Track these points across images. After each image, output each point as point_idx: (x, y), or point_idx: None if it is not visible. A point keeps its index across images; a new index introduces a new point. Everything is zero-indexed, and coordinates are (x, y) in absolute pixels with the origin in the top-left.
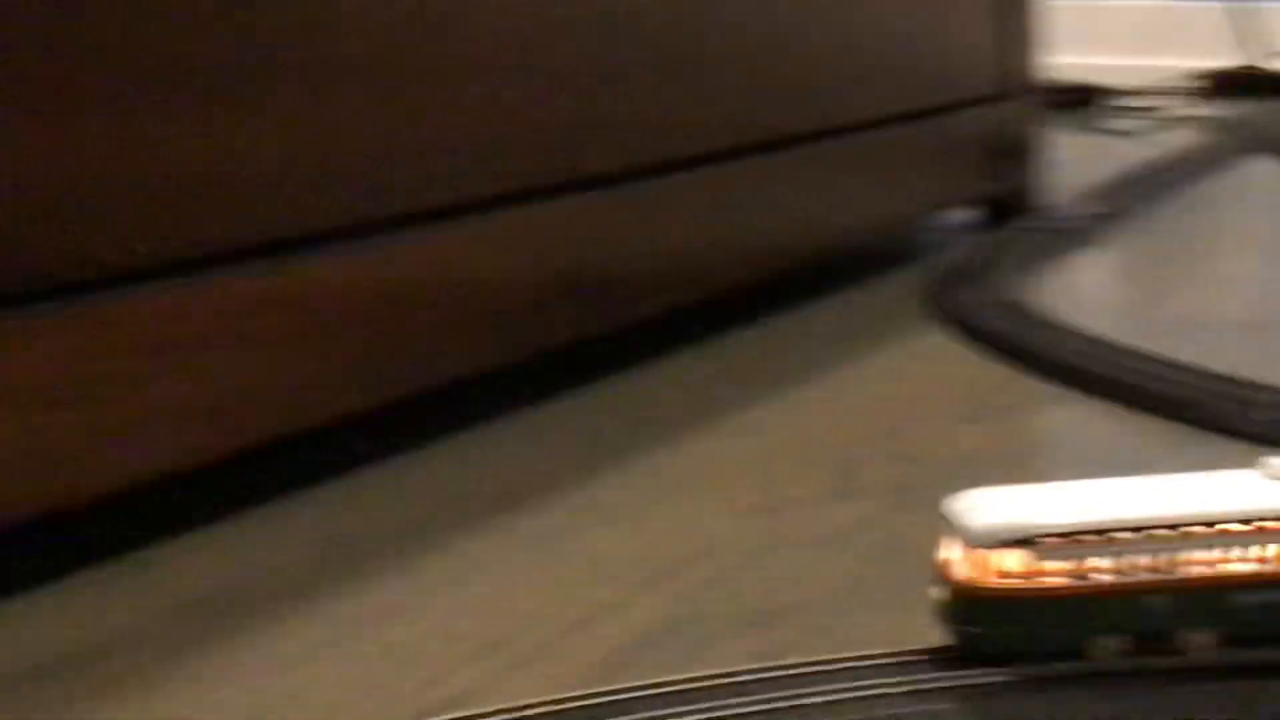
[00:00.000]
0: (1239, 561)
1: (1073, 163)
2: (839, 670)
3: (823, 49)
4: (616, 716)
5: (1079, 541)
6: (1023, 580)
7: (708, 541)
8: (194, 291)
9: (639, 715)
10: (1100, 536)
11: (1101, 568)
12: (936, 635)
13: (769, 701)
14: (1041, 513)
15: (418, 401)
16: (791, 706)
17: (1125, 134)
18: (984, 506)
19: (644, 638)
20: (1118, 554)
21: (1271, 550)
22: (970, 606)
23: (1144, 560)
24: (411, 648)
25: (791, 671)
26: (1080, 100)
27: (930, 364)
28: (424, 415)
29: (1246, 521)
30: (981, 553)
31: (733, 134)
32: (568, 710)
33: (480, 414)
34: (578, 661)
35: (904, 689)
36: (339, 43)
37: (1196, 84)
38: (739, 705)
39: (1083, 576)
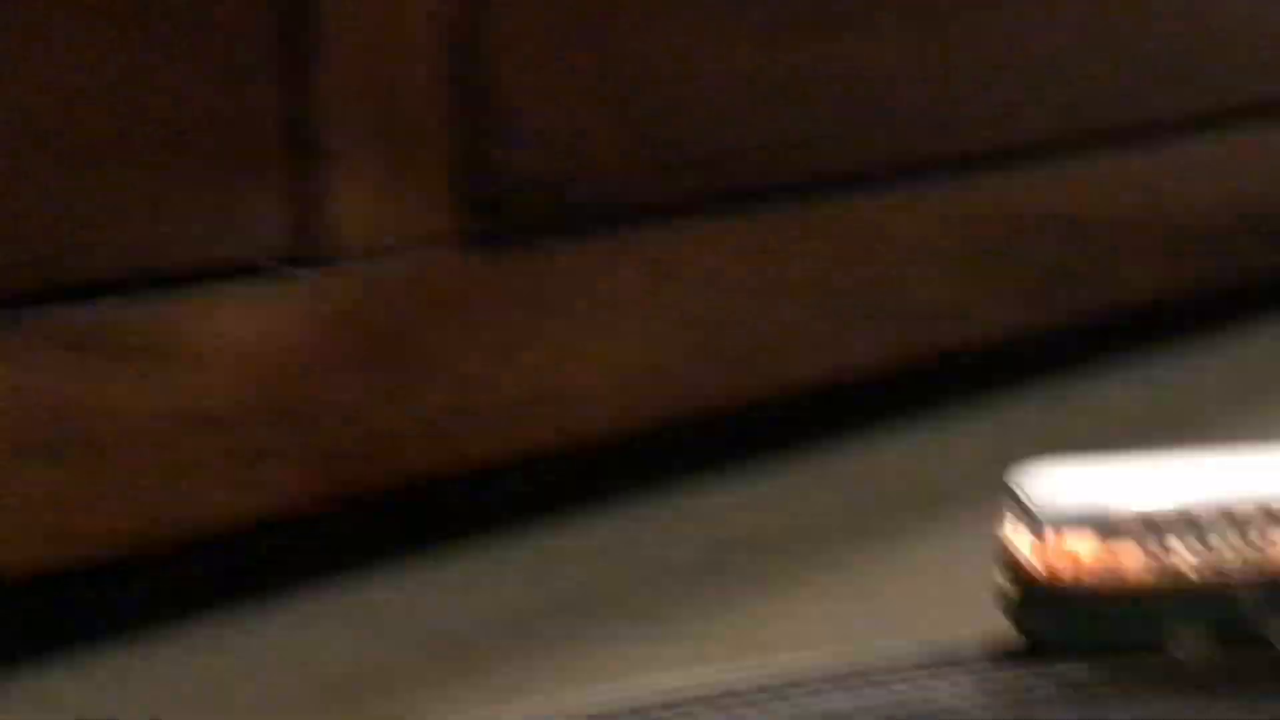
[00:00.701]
0: None
1: None
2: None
3: None
4: None
5: (1159, 524)
6: (1095, 567)
7: None
8: (890, 202)
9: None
10: (1183, 518)
11: (1184, 553)
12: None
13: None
14: (1117, 491)
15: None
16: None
17: None
18: (1052, 483)
19: None
20: (1203, 537)
21: None
22: (1035, 596)
23: (1232, 545)
24: None
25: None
26: None
27: None
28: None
29: None
30: (1049, 535)
31: None
32: None
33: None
34: None
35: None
36: None
37: None
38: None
39: (1162, 563)
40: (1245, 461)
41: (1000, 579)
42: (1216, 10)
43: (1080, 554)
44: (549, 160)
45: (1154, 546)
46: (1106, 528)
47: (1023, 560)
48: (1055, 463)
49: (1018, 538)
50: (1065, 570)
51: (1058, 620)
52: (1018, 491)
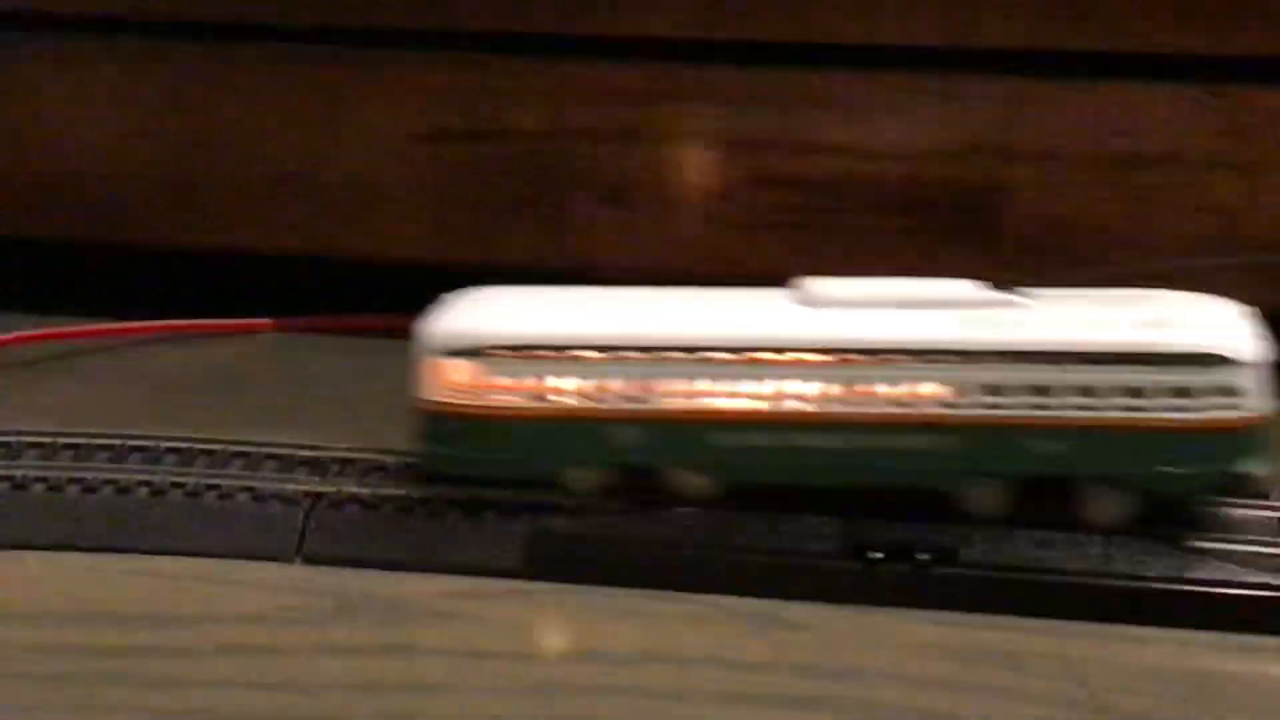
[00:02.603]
0: (725, 396)
1: None
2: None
3: None
4: None
5: (536, 357)
6: (472, 396)
7: None
8: None
9: None
10: (561, 353)
11: (563, 389)
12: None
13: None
14: (498, 321)
15: None
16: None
17: None
18: (455, 309)
19: None
20: (582, 375)
21: (767, 386)
22: (426, 421)
23: (616, 385)
24: None
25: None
26: None
27: None
28: None
29: (736, 351)
30: (439, 362)
31: None
32: None
33: None
34: None
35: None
36: None
37: None
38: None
39: (540, 397)
40: (658, 300)
41: (412, 402)
42: None
43: (461, 382)
44: None
45: (533, 380)
46: (485, 357)
47: (420, 384)
48: (488, 289)
49: (420, 362)
50: (451, 397)
51: (445, 447)
52: (429, 316)
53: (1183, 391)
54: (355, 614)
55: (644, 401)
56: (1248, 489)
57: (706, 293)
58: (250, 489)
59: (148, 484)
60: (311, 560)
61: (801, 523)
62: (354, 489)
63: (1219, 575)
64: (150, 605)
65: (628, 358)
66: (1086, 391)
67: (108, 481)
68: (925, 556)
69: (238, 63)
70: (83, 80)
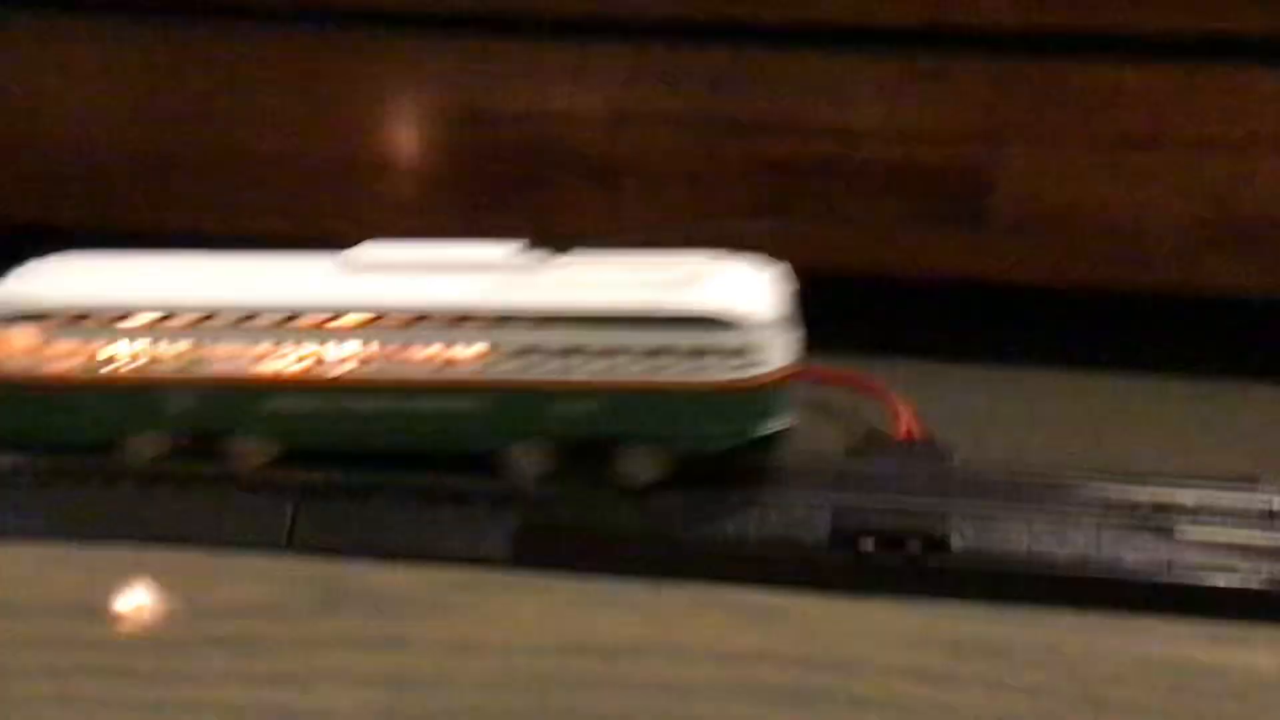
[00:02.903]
0: (271, 361)
1: None
2: None
3: None
4: None
5: (90, 324)
6: (29, 363)
7: None
8: None
9: None
10: (114, 320)
11: (114, 355)
12: None
13: None
14: (56, 287)
15: None
16: None
17: None
18: (20, 274)
19: None
20: (135, 341)
21: (309, 351)
22: None
23: (167, 351)
24: None
25: None
26: None
27: None
28: None
29: (277, 316)
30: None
31: None
32: None
33: None
34: None
35: None
36: None
37: None
38: None
39: (96, 364)
40: (225, 266)
41: None
42: None
43: (18, 348)
44: None
45: (85, 345)
46: (43, 322)
47: None
48: (64, 255)
49: None
50: (7, 364)
51: (7, 414)
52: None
53: (697, 352)
54: (345, 605)
55: (195, 368)
56: (773, 445)
57: (261, 258)
58: (240, 479)
59: (135, 474)
60: (301, 550)
61: (792, 512)
62: (344, 478)
63: (1208, 564)
64: (139, 596)
65: (177, 324)
66: (608, 353)
67: (95, 472)
68: (917, 547)
69: (224, 44)
70: (66, 60)
